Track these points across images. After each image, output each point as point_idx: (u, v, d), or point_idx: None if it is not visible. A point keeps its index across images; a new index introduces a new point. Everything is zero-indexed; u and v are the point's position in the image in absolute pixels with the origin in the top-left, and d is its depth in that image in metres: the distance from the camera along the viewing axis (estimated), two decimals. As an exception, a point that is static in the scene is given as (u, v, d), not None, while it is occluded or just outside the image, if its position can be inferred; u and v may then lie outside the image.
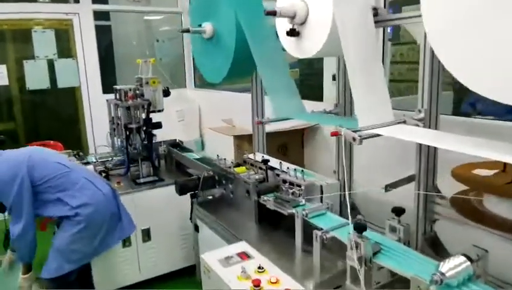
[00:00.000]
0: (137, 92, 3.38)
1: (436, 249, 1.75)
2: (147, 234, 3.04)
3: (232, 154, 3.58)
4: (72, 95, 5.86)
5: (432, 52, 1.58)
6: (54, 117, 5.77)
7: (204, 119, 5.03)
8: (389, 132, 1.44)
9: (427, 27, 1.18)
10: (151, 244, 3.06)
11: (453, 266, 1.29)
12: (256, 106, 2.80)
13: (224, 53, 2.31)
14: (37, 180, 2.34)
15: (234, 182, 2.43)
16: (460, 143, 1.26)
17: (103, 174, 3.12)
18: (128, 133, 3.26)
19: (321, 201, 2.10)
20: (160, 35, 5.37)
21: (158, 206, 3.06)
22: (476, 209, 1.54)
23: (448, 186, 1.72)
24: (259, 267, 1.76)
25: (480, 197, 1.57)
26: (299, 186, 2.12)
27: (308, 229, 1.98)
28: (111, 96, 3.60)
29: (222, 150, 3.54)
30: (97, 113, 4.74)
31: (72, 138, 5.29)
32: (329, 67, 2.99)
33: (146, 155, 3.35)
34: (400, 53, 3.18)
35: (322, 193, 2.10)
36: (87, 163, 3.35)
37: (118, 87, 3.41)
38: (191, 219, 2.71)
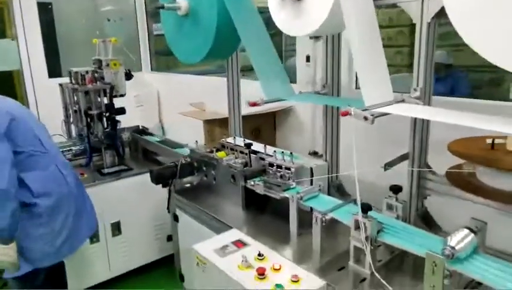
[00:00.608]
0: (96, 75, 3.11)
1: (429, 225, 1.81)
2: (116, 228, 2.84)
3: (202, 140, 3.45)
4: (8, 80, 5.33)
5: (428, 31, 1.60)
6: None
7: (163, 104, 4.79)
8: (397, 110, 1.44)
9: (445, 2, 1.16)
10: (122, 238, 2.87)
11: (461, 239, 1.33)
12: (232, 88, 2.69)
13: (203, 31, 2.17)
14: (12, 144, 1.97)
15: (217, 167, 2.33)
16: (470, 118, 1.28)
17: (63, 166, 2.84)
18: (89, 120, 2.99)
19: (311, 183, 2.08)
20: (110, 15, 4.96)
21: (127, 197, 2.86)
22: (470, 182, 1.60)
23: (440, 164, 1.77)
24: (259, 255, 1.70)
25: (473, 170, 1.63)
26: (289, 169, 2.08)
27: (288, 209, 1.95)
28: (59, 80, 3.29)
29: (189, 135, 3.39)
30: (43, 100, 4.31)
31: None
32: (302, 49, 2.95)
33: (109, 143, 3.11)
34: (388, 37, 3.23)
35: (312, 175, 2.08)
36: (43, 154, 3.02)
37: (74, 69, 3.09)
38: (168, 208, 2.57)
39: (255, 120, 3.19)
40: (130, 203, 2.87)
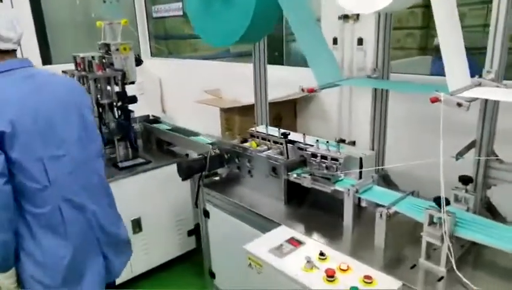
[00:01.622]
0: (104, 60, 2.87)
1: (493, 215, 1.73)
2: (137, 225, 2.66)
3: (219, 129, 3.28)
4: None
5: (507, 11, 1.47)
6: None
7: (166, 91, 4.55)
8: (484, 94, 1.32)
9: None
10: (143, 235, 2.70)
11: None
12: (259, 75, 2.52)
13: (239, 12, 1.98)
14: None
15: (253, 159, 2.17)
16: None
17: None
18: (100, 110, 2.76)
19: (360, 175, 1.96)
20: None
21: (146, 192, 2.68)
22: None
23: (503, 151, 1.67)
24: (321, 254, 1.57)
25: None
26: (336, 160, 1.95)
27: (333, 202, 1.90)
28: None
29: (197, 124, 3.21)
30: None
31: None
32: (328, 31, 2.78)
33: (122, 135, 2.90)
34: (398, 18, 3.09)
35: (361, 165, 1.96)
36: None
37: (81, 55, 2.84)
38: (196, 203, 2.40)
39: (276, 108, 3.02)
40: (150, 198, 2.70)
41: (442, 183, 1.32)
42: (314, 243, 1.68)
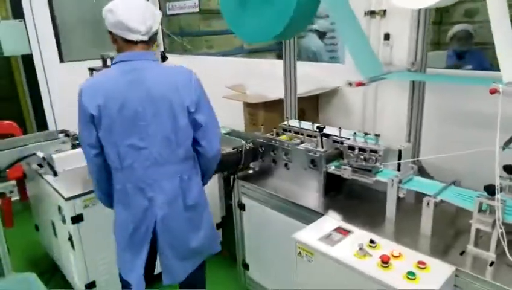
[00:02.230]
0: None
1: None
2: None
3: (242, 124, 3.32)
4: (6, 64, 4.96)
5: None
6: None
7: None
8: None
9: None
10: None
11: None
12: (290, 71, 2.57)
13: (279, 8, 2.02)
14: None
15: (291, 152, 2.22)
16: None
17: (108, 156, 2.65)
18: (131, 106, 2.79)
19: (398, 166, 2.02)
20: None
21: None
22: None
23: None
24: (371, 242, 1.63)
25: None
26: (375, 152, 2.00)
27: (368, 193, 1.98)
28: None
29: (220, 119, 3.23)
30: (56, 87, 4.03)
31: (17, 116, 4.47)
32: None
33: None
34: None
35: (400, 157, 2.01)
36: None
37: (110, 54, 2.87)
38: (230, 197, 2.45)
39: (299, 103, 3.08)
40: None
41: (497, 170, 1.38)
42: (362, 232, 1.73)
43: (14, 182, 2.47)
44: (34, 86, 4.98)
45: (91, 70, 3.08)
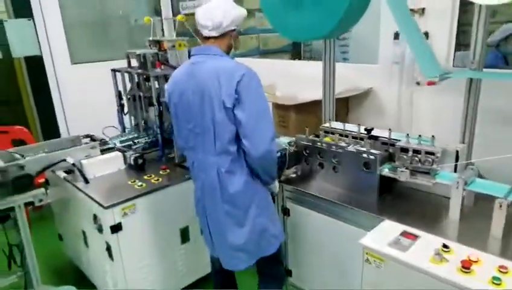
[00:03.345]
0: (159, 57, 2.80)
1: None
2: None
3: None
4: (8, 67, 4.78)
5: None
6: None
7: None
8: None
9: None
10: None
11: None
12: (329, 72, 2.51)
13: (330, 6, 1.96)
14: None
15: (340, 155, 2.16)
16: None
17: (139, 162, 2.55)
18: (161, 108, 2.69)
19: (455, 168, 1.98)
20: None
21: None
22: None
23: None
24: (444, 246, 1.58)
25: None
26: (431, 154, 1.95)
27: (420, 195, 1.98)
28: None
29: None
30: (67, 89, 3.88)
31: (21, 121, 4.29)
32: (388, 26, 2.79)
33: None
34: None
35: (457, 159, 1.97)
36: (110, 149, 2.69)
37: (137, 52, 2.76)
38: (274, 201, 2.37)
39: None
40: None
41: None
42: (429, 236, 1.68)
43: (43, 190, 2.34)
44: (40, 89, 4.82)
45: (114, 71, 2.97)
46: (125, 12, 4.41)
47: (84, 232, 2.49)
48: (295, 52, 5.60)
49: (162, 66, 2.73)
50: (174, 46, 2.80)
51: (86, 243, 2.50)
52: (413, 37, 1.82)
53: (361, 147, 2.15)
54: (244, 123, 1.70)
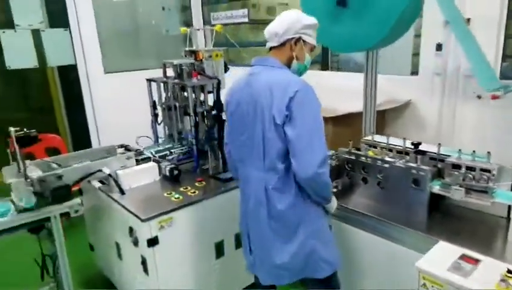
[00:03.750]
0: (195, 67, 2.78)
1: None
2: (238, 239, 2.53)
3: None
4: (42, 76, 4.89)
5: None
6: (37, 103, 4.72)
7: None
8: None
9: None
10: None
11: None
12: (370, 85, 2.42)
13: (379, 18, 1.89)
14: None
15: (386, 170, 2.06)
16: None
17: (175, 173, 2.51)
18: (197, 119, 2.66)
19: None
20: (165, 2, 4.53)
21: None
22: None
23: None
24: (509, 272, 1.46)
25: None
26: (487, 171, 1.84)
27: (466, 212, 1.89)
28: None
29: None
30: (100, 98, 3.91)
31: (52, 129, 4.34)
32: (430, 37, 2.70)
33: (214, 145, 2.79)
34: None
35: (516, 176, 1.85)
36: (146, 159, 2.66)
37: (174, 62, 2.75)
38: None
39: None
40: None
41: None
42: (491, 260, 1.56)
43: (79, 201, 2.32)
44: (72, 98, 4.90)
45: (149, 80, 2.96)
46: (157, 22, 4.44)
47: (117, 244, 2.45)
48: (324, 62, 5.54)
49: (199, 76, 2.70)
50: (210, 56, 2.77)
51: (119, 255, 2.46)
52: (470, 47, 1.73)
53: (408, 162, 2.05)
54: (294, 142, 1.61)
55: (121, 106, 3.89)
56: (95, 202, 2.59)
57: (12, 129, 2.10)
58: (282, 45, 1.73)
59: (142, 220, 2.05)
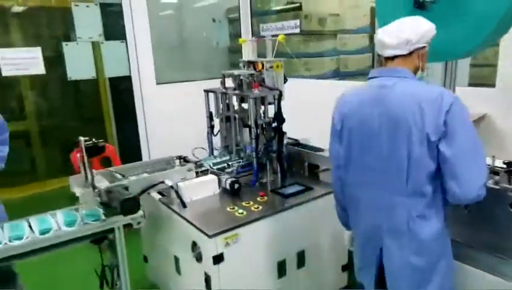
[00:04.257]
0: (254, 78, 2.72)
1: None
2: (301, 258, 2.40)
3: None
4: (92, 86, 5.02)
5: None
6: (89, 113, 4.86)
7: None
8: None
9: None
10: (305, 270, 2.43)
11: None
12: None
13: (474, 23, 1.74)
14: None
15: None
16: None
17: (236, 187, 2.43)
18: (258, 131, 2.58)
19: None
20: (215, 14, 4.54)
21: (310, 222, 2.41)
22: None
23: None
24: None
25: None
26: None
27: None
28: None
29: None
30: (151, 109, 3.93)
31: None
32: (510, 43, 2.48)
33: (273, 158, 2.71)
34: None
35: None
36: (204, 171, 2.61)
37: (235, 72, 2.70)
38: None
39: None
40: (312, 230, 2.44)
41: None
42: None
43: (141, 213, 2.28)
44: (122, 109, 5.00)
45: (207, 91, 2.93)
46: (207, 34, 4.46)
47: (176, 258, 2.39)
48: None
49: (259, 88, 2.63)
50: (271, 67, 2.70)
51: (177, 269, 2.40)
52: None
53: (499, 182, 1.86)
54: (453, 161, 1.43)
55: (171, 117, 3.90)
56: (153, 213, 2.55)
57: (82, 139, 2.09)
58: (409, 54, 1.55)
59: (209, 236, 1.97)
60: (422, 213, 1.52)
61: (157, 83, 4.04)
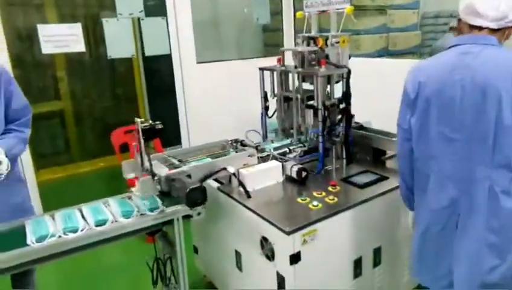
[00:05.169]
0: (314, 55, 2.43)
1: None
2: (378, 256, 2.15)
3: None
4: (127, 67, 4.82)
5: None
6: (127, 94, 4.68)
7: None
8: None
9: None
10: (381, 270, 2.18)
11: None
12: None
13: None
14: None
15: None
16: None
17: (303, 175, 2.17)
18: (326, 113, 2.31)
19: None
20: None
21: (387, 216, 2.16)
22: None
23: None
24: None
25: None
26: None
27: None
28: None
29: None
30: (192, 89, 3.70)
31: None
32: None
33: (340, 142, 2.44)
34: None
35: None
36: (265, 157, 2.35)
37: (299, 48, 2.44)
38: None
39: None
40: (389, 223, 2.18)
41: None
42: None
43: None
44: (154, 88, 4.79)
45: (262, 69, 2.67)
46: (248, 10, 4.17)
47: (238, 253, 2.16)
48: (422, 53, 4.99)
49: (326, 65, 2.35)
50: (338, 43, 2.41)
51: (238, 265, 2.18)
52: None
53: None
54: None
55: (211, 99, 3.68)
56: (209, 202, 2.32)
57: (138, 120, 1.87)
58: (498, 29, 1.47)
59: (287, 233, 1.73)
60: (507, 189, 1.40)
61: (198, 62, 3.79)
